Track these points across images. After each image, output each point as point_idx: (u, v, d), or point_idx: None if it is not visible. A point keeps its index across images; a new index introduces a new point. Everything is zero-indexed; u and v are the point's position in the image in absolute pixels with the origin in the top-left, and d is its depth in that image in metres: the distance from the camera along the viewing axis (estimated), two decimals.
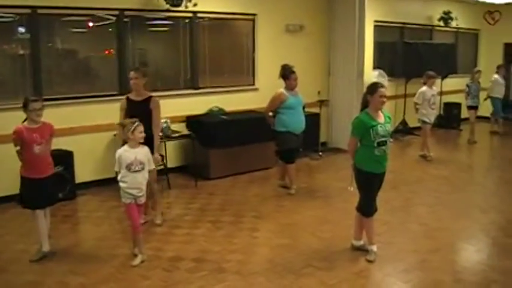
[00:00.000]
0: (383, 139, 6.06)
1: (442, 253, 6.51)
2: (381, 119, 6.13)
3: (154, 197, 7.44)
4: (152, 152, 6.50)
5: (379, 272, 5.98)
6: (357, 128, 6.12)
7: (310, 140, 10.88)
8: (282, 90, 8.77)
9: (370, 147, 6.04)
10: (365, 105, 6.19)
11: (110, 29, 9.38)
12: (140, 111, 6.89)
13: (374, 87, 6.17)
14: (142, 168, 6.01)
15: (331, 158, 11.45)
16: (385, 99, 6.12)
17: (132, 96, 7.35)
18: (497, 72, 14.47)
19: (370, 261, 6.16)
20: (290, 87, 8.74)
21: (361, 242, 6.49)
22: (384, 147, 6.09)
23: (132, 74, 7.27)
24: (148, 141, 6.52)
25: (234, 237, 6.99)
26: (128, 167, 5.90)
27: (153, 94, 7.47)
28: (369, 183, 6.18)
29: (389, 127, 6.23)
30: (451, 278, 5.80)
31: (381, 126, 6.04)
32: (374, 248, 6.30)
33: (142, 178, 6.04)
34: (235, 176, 9.88)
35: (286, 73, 8.74)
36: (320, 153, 11.51)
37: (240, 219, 7.65)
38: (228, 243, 6.77)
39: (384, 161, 6.18)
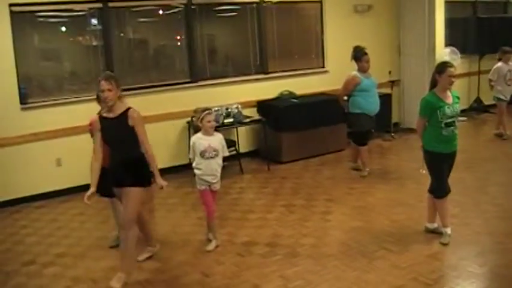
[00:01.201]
0: (451, 120, 5.96)
1: None
2: (449, 99, 6.02)
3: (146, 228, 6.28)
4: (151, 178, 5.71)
5: (453, 255, 5.91)
6: (423, 109, 6.06)
7: (382, 121, 10.75)
8: (355, 72, 8.70)
9: (438, 128, 5.96)
10: (434, 84, 6.09)
11: (179, 17, 9.52)
12: (116, 132, 5.41)
13: (443, 66, 6.06)
14: (216, 155, 6.10)
15: (404, 139, 11.31)
16: (454, 79, 5.99)
17: (104, 113, 5.48)
18: None
19: (444, 244, 6.09)
20: (362, 70, 8.67)
21: (435, 225, 6.41)
22: (452, 128, 5.99)
23: (103, 84, 5.24)
24: (132, 166, 5.48)
25: (307, 220, 7.03)
26: (202, 154, 6.01)
27: (131, 106, 5.55)
28: (439, 164, 6.10)
29: (458, 107, 6.11)
30: None
31: (448, 107, 5.94)
32: (448, 230, 6.22)
33: (217, 165, 6.13)
34: (307, 160, 9.91)
35: (358, 55, 8.67)
36: (392, 134, 11.40)
37: (312, 203, 7.69)
38: (301, 226, 6.83)
39: (453, 140, 6.08)
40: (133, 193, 5.41)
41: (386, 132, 11.42)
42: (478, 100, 13.84)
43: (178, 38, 9.65)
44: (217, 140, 6.14)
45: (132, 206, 5.40)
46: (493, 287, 5.23)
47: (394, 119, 11.95)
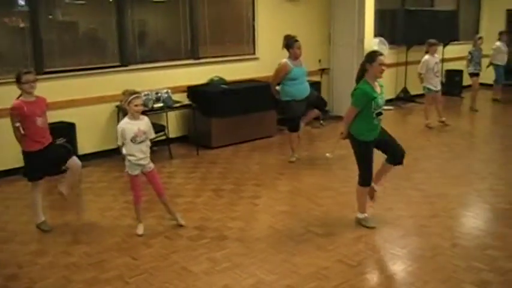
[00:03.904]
0: (380, 109, 6.09)
1: (440, 219, 6.60)
2: (378, 89, 6.11)
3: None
4: None
5: (377, 237, 6.09)
6: (359, 99, 6.03)
7: (311, 109, 10.94)
8: (285, 60, 8.78)
9: (370, 118, 6.04)
10: (362, 74, 6.13)
11: (110, 0, 9.38)
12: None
13: (373, 55, 6.10)
14: (146, 138, 6.05)
15: (333, 126, 11.49)
16: (384, 68, 6.07)
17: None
18: (499, 39, 14.39)
19: (369, 227, 6.28)
20: (294, 57, 8.75)
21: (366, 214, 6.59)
22: (380, 117, 6.12)
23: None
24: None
25: (235, 205, 7.09)
26: (133, 139, 5.92)
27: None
28: (369, 152, 6.22)
29: (384, 96, 6.24)
30: (448, 243, 5.89)
31: (380, 98, 6.06)
32: (361, 216, 6.39)
33: (147, 147, 6.09)
34: (237, 145, 9.97)
35: (290, 42, 8.74)
36: (321, 122, 11.57)
37: (241, 188, 7.75)
38: (230, 211, 6.87)
39: (379, 127, 6.23)
40: None
41: (316, 120, 11.57)
42: (405, 90, 14.21)
43: (109, 21, 9.50)
44: (145, 123, 6.08)
45: None
46: (414, 267, 5.39)
47: None
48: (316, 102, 9.21)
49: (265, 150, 9.75)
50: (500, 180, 8.11)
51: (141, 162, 6.02)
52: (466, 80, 14.76)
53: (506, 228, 6.35)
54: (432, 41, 11.43)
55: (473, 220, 6.68)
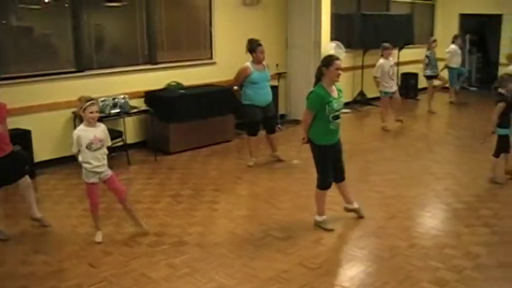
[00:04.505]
0: (337, 113, 6.14)
1: (398, 220, 6.72)
2: (335, 93, 6.15)
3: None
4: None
5: (336, 239, 6.16)
6: (313, 103, 6.11)
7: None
8: (247, 64, 8.81)
9: (326, 122, 6.09)
10: (319, 77, 6.18)
11: (66, 5, 9.26)
12: None
13: (329, 59, 6.17)
14: (102, 145, 5.99)
15: (291, 130, 11.56)
16: (340, 72, 6.13)
17: None
18: (453, 42, 14.67)
19: (328, 230, 6.33)
20: (257, 60, 8.78)
21: (355, 205, 6.73)
22: (338, 121, 6.17)
23: None
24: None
25: (195, 210, 7.07)
26: (89, 146, 5.84)
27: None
28: (325, 156, 6.27)
29: (342, 100, 6.30)
30: (405, 243, 5.99)
31: (336, 102, 6.10)
32: (320, 218, 6.45)
33: (103, 154, 6.02)
34: (195, 150, 9.92)
35: (253, 46, 8.77)
36: (279, 126, 11.60)
37: (200, 193, 7.73)
38: (189, 216, 6.85)
39: (337, 132, 6.29)
40: None
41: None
42: (361, 93, 14.36)
43: (65, 26, 9.37)
44: (101, 130, 6.01)
45: None
46: (373, 268, 5.47)
47: (281, 110, 12.18)
48: (269, 122, 9.20)
49: (224, 154, 9.74)
50: (455, 180, 8.28)
51: (97, 169, 5.95)
52: (422, 83, 15.01)
53: (462, 227, 6.50)
54: (386, 44, 11.60)
55: (430, 220, 6.81)
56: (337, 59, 6.18)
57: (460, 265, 5.51)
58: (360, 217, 6.70)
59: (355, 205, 6.73)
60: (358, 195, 7.34)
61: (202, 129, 10.05)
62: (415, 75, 16.00)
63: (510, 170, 8.31)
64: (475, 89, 17.75)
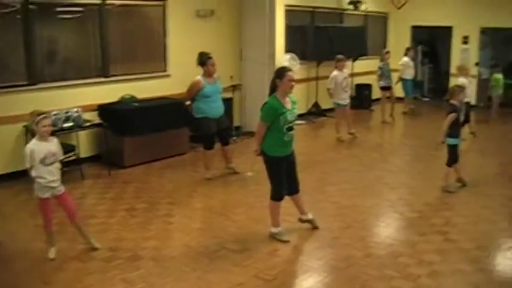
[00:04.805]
0: (291, 124, 6.18)
1: (353, 229, 6.80)
2: (289, 104, 6.21)
3: None
4: None
5: (292, 251, 6.20)
6: (266, 115, 6.16)
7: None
8: (199, 77, 8.79)
9: (280, 133, 6.13)
10: (273, 89, 6.23)
11: (17, 16, 9.12)
12: None
13: (282, 71, 6.23)
14: (56, 160, 5.91)
15: (246, 142, 11.55)
16: (293, 83, 6.18)
17: None
18: (406, 55, 14.95)
19: (283, 241, 6.34)
20: (208, 73, 8.78)
21: (310, 215, 6.76)
22: (292, 132, 6.21)
23: None
24: None
25: (149, 224, 7.02)
26: (43, 161, 5.77)
27: None
28: (279, 167, 6.30)
29: (296, 112, 6.34)
30: (361, 253, 6.07)
31: (289, 113, 6.14)
32: (275, 230, 6.47)
33: (57, 169, 5.95)
34: (150, 163, 9.85)
35: (203, 59, 8.78)
36: (234, 138, 11.61)
37: (155, 206, 7.68)
38: (144, 230, 6.81)
39: (291, 144, 6.33)
40: None
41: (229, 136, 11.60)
42: (316, 105, 14.48)
43: (16, 38, 9.23)
44: (54, 144, 5.95)
45: None
46: (329, 279, 5.53)
47: (236, 122, 12.19)
48: (223, 133, 9.21)
49: (179, 167, 9.69)
50: (409, 189, 8.44)
51: (52, 184, 5.87)
52: (376, 94, 15.22)
53: (416, 235, 6.62)
54: (340, 56, 11.74)
55: (385, 229, 6.93)
56: (290, 70, 6.25)
57: (414, 273, 5.61)
58: (315, 228, 6.75)
59: (310, 216, 6.77)
60: (313, 206, 7.40)
61: (157, 143, 9.99)
62: (369, 86, 16.22)
63: (460, 178, 8.48)
64: (427, 99, 18.11)
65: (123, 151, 9.60)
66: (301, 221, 6.79)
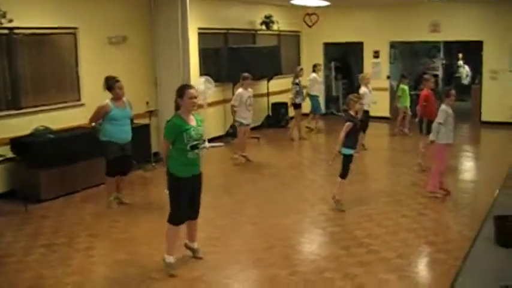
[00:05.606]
0: (196, 142, 6.13)
1: (277, 249, 6.85)
2: (193, 122, 6.19)
3: None
4: None
5: (217, 276, 6.17)
6: (168, 132, 6.14)
7: (142, 152, 10.89)
8: (107, 101, 8.67)
9: (183, 151, 6.09)
10: (177, 108, 6.24)
11: None
12: None
13: (182, 89, 6.24)
14: None
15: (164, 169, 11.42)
16: (195, 100, 6.17)
17: None
18: (314, 71, 15.22)
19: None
20: (117, 97, 8.67)
21: (195, 244, 6.66)
22: (197, 151, 6.16)
23: None
24: None
25: (70, 258, 6.84)
26: None
27: None
28: (179, 188, 6.23)
29: (202, 130, 6.31)
30: (286, 272, 6.13)
31: (193, 130, 6.11)
32: (170, 259, 6.34)
33: None
34: (68, 196, 9.58)
35: (110, 83, 8.67)
36: (153, 164, 11.47)
37: (75, 240, 7.49)
38: (64, 265, 6.62)
39: (196, 163, 6.27)
40: None
41: (147, 162, 11.47)
42: (233, 126, 14.48)
43: None
44: None
45: None
46: None
47: (154, 148, 12.03)
48: (125, 160, 9.00)
49: (98, 198, 9.45)
50: (329, 205, 8.56)
51: None
52: (292, 111, 15.41)
53: (339, 249, 6.75)
54: (246, 74, 11.76)
55: (308, 246, 7.04)
56: (191, 87, 6.24)
57: (340, 287, 5.66)
58: (198, 258, 6.62)
59: (195, 245, 6.71)
60: (236, 229, 7.42)
61: (74, 174, 9.76)
62: (285, 105, 16.38)
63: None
64: (342, 114, 18.39)
65: (39, 185, 9.31)
66: (186, 247, 6.71)
